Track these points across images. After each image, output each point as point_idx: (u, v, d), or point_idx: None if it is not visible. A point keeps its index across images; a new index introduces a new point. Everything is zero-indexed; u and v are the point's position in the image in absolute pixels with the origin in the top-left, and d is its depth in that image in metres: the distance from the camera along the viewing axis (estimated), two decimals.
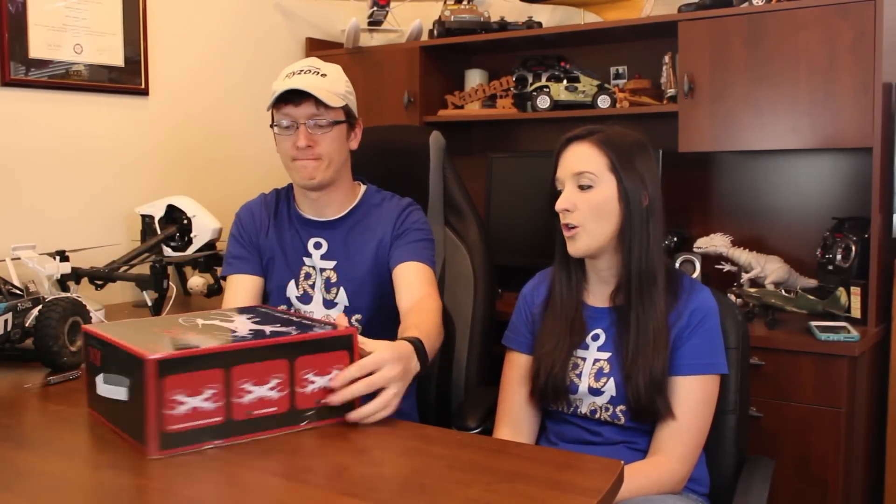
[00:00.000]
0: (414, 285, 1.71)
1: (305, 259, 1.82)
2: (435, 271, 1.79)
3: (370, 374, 1.25)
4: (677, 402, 1.47)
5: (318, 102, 1.70)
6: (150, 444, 1.10)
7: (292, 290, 1.81)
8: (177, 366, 1.10)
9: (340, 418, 1.23)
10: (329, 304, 1.80)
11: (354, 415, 1.24)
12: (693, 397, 1.48)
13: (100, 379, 1.22)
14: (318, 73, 1.73)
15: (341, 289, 1.79)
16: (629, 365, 1.48)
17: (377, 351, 1.27)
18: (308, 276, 1.82)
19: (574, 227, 1.51)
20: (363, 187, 1.90)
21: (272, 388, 1.17)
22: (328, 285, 1.80)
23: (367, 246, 1.80)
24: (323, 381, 1.22)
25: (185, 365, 1.11)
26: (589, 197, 1.50)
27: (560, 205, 1.51)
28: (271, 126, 1.77)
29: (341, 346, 1.23)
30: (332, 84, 1.74)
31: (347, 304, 1.79)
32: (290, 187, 1.90)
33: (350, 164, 1.85)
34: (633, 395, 1.47)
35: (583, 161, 1.51)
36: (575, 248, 1.52)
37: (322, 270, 1.80)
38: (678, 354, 1.49)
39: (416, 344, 1.38)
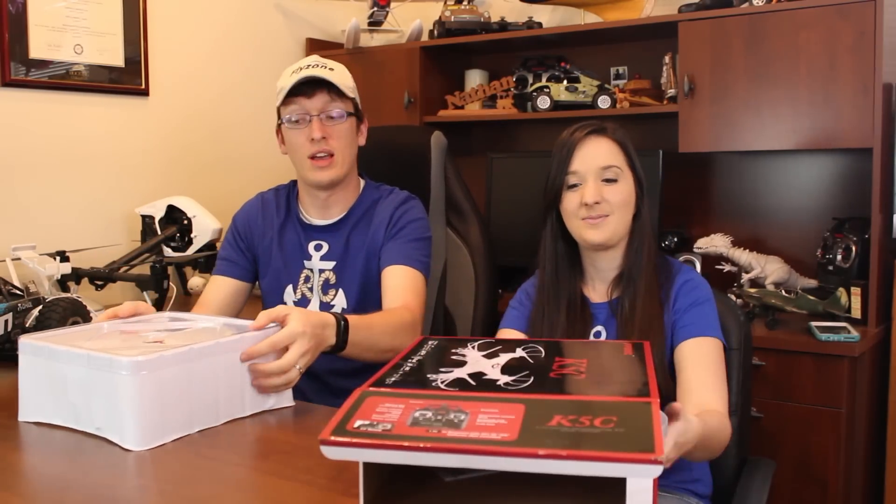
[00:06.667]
0: (397, 292, 1.67)
1: (305, 262, 1.80)
2: (426, 272, 1.74)
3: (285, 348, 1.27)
4: (687, 363, 1.44)
5: (330, 92, 1.71)
6: None
7: (289, 295, 1.79)
8: None
9: None
10: (325, 307, 1.76)
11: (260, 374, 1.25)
12: (702, 351, 1.45)
13: None
14: (326, 67, 1.74)
15: (340, 291, 1.76)
16: None
17: (290, 323, 1.28)
18: (307, 279, 1.79)
19: (604, 216, 1.50)
20: (362, 182, 1.87)
21: None
22: (326, 287, 1.77)
23: (361, 246, 1.77)
24: None
25: None
26: (616, 189, 1.51)
27: (590, 198, 1.49)
28: (278, 125, 1.76)
29: None
30: (340, 77, 1.74)
31: (346, 306, 1.75)
32: (292, 186, 1.87)
33: (357, 160, 1.84)
34: None
35: (607, 155, 1.52)
36: (602, 233, 1.51)
37: (321, 272, 1.78)
38: (676, 326, 1.48)
39: (340, 321, 1.39)
